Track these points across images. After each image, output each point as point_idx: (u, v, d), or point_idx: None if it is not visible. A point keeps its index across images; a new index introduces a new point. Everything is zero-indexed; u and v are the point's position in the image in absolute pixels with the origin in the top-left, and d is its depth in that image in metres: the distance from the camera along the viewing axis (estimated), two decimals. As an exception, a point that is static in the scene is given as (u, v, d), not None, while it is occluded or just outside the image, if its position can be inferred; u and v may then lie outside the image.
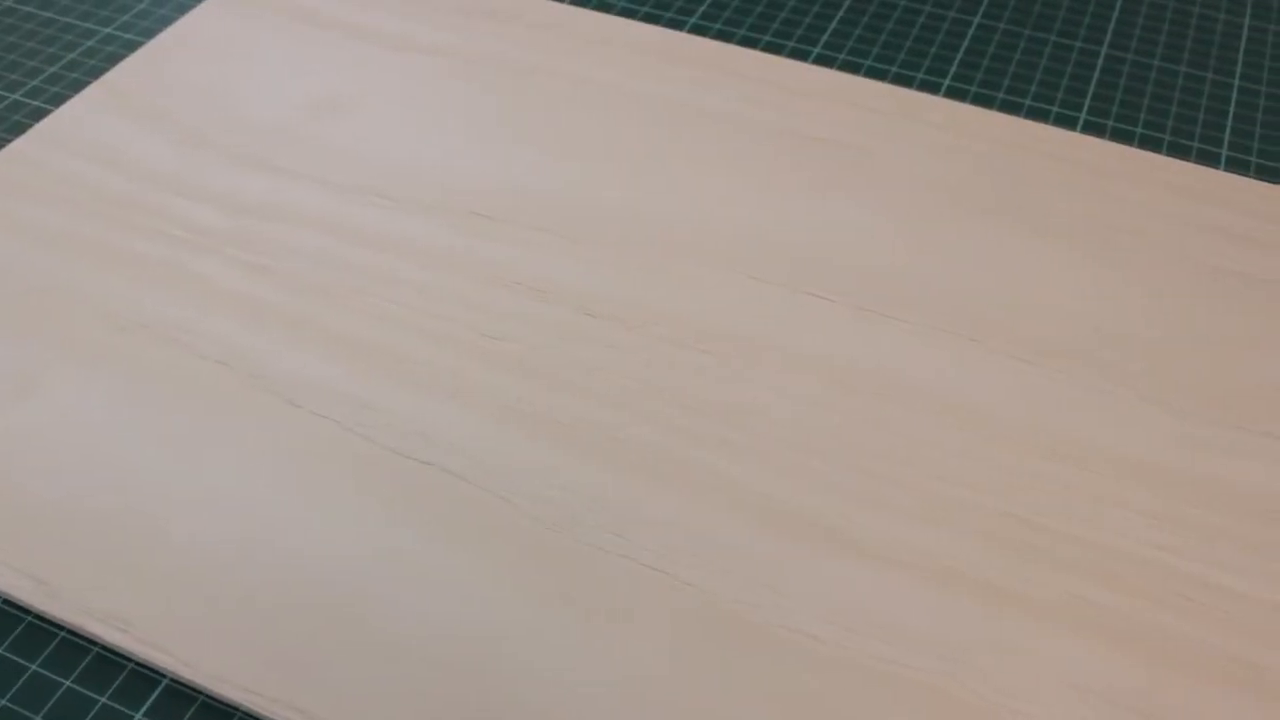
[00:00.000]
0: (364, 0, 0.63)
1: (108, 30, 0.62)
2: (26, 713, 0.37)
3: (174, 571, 0.39)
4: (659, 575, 0.39)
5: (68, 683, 0.38)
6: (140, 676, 0.38)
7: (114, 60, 0.60)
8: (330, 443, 0.43)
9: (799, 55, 0.61)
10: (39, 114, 0.57)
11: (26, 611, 0.39)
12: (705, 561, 0.40)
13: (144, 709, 0.37)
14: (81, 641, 0.39)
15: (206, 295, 0.48)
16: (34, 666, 0.38)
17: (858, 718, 0.36)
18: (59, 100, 0.58)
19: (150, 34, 0.62)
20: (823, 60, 0.61)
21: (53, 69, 0.60)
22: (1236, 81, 0.61)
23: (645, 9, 0.64)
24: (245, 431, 0.43)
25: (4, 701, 0.37)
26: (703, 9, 0.64)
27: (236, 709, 0.37)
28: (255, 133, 0.55)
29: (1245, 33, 0.64)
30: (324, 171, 0.53)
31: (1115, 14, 0.65)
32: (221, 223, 0.51)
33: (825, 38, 0.63)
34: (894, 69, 0.61)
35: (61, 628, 0.39)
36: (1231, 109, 0.59)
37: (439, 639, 0.37)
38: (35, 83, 0.59)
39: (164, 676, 0.38)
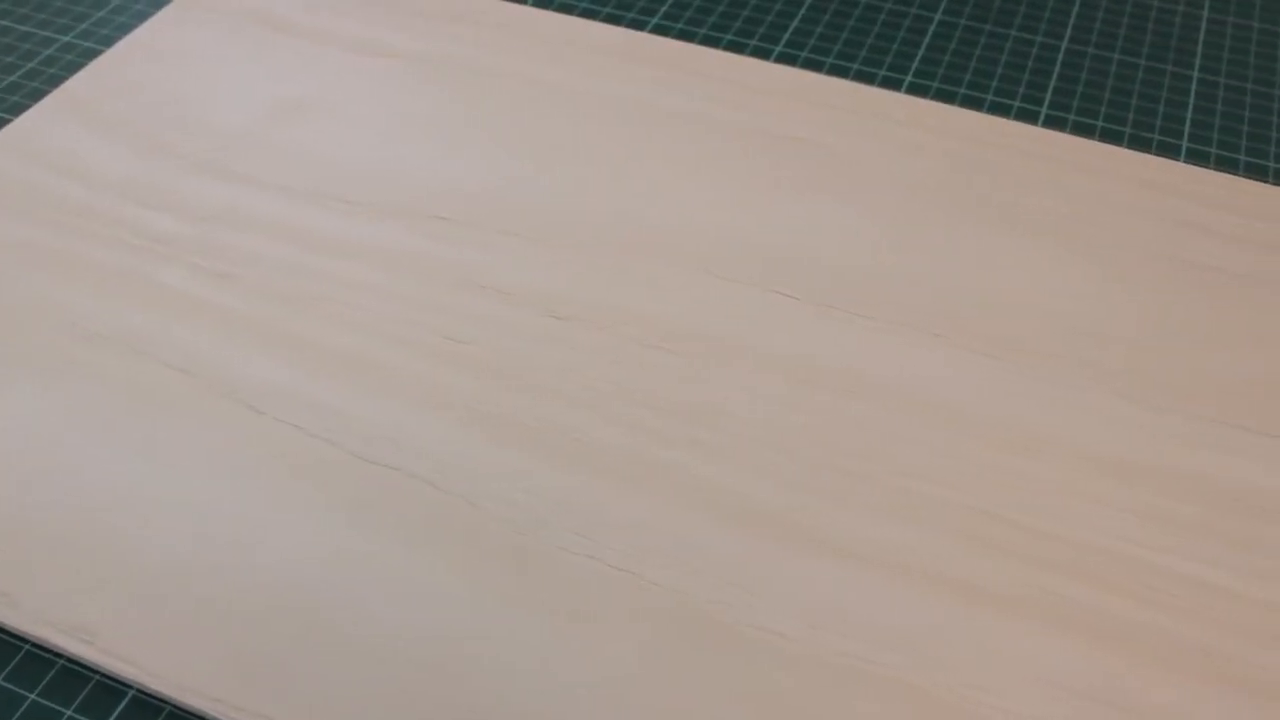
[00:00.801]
0: (324, 4, 0.63)
1: (66, 39, 0.62)
2: (-9, 727, 0.37)
3: (139, 581, 0.39)
4: (626, 576, 0.39)
5: (33, 696, 0.37)
6: (106, 689, 0.38)
7: (73, 69, 0.60)
8: (295, 449, 0.43)
9: (761, 54, 0.62)
10: (-2, 124, 0.57)
11: (-9, 625, 0.39)
12: (673, 562, 0.40)
13: (110, 721, 0.37)
14: (47, 655, 0.38)
15: (169, 303, 0.47)
16: (-1, 680, 0.38)
17: (828, 715, 0.36)
18: (18, 110, 0.58)
19: (109, 42, 0.62)
20: (784, 59, 0.61)
21: (11, 78, 0.59)
22: (1196, 74, 0.61)
23: (607, 9, 0.64)
24: (209, 439, 0.43)
25: (-31, 716, 0.37)
26: (665, 9, 0.64)
27: (204, 718, 0.37)
28: (216, 139, 0.55)
29: (1204, 25, 0.65)
30: (286, 177, 0.53)
31: (1075, 8, 0.66)
32: (183, 230, 0.50)
33: (787, 36, 0.63)
34: (856, 66, 0.61)
35: (27, 641, 0.39)
36: (1191, 101, 0.60)
37: (406, 643, 0.37)
38: (-6, 92, 0.59)
39: (130, 688, 0.38)
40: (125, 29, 0.63)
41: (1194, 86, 0.61)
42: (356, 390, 0.44)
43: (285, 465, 0.42)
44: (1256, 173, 0.56)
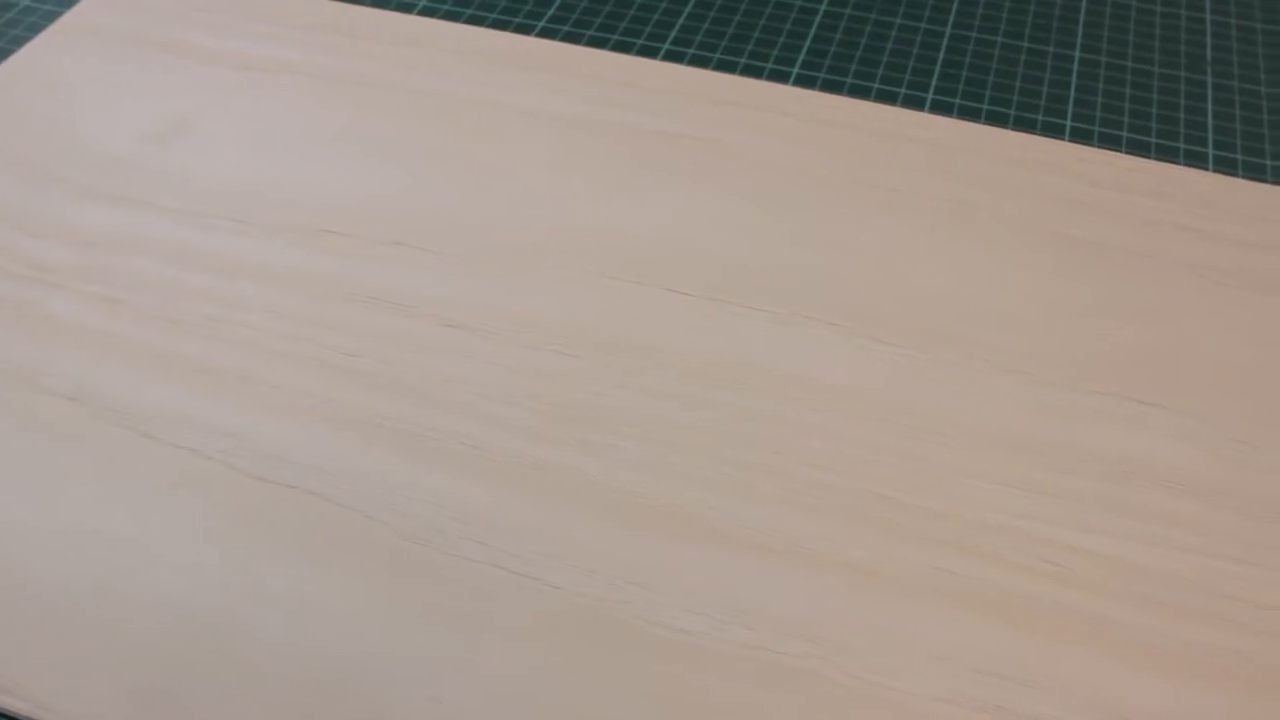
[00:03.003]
0: (205, 21, 0.62)
1: (-57, 68, 0.61)
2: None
3: (32, 614, 0.38)
4: (527, 580, 0.39)
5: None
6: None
7: (-49, 98, 0.59)
8: (189, 472, 0.42)
9: (648, 53, 0.62)
10: (-126, 158, 0.56)
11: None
12: (572, 563, 0.40)
13: (7, 759, 0.36)
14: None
15: (56, 332, 0.47)
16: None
17: (734, 707, 0.36)
18: (-106, 142, 0.56)
19: (-12, 69, 0.61)
20: (672, 56, 0.61)
21: (-113, 111, 0.58)
22: (1077, 53, 0.62)
23: (493, 15, 0.64)
24: (101, 467, 0.42)
25: None
26: (550, 12, 0.64)
27: (103, 751, 0.36)
28: (99, 163, 0.54)
29: (1084, 4, 0.66)
30: (172, 198, 0.52)
31: (958, -6, 0.67)
32: (69, 257, 0.50)
33: (673, 34, 0.63)
34: (743, 60, 0.61)
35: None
36: (1073, 80, 0.60)
37: (309, 662, 0.37)
38: None
39: (25, 723, 0.37)
40: (2, 55, 0.62)
41: (1076, 66, 0.61)
42: (250, 410, 0.44)
43: (180, 489, 0.42)
44: (1139, 149, 0.56)
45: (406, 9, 0.64)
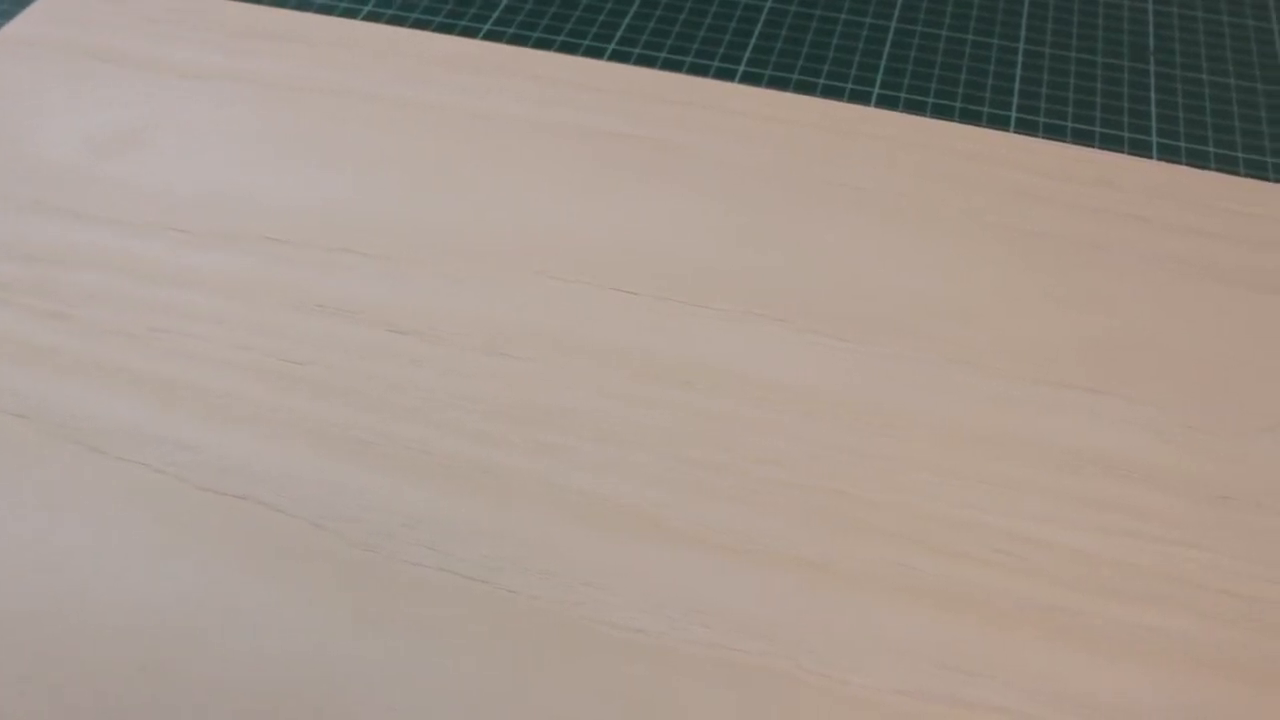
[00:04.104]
0: (148, 31, 0.61)
1: (-120, 84, 0.60)
2: None
3: (-19, 636, 0.38)
4: (480, 585, 0.39)
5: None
6: (-48, 748, 0.37)
7: (-111, 114, 0.58)
8: (139, 487, 0.42)
9: (594, 53, 0.62)
10: None
11: None
12: (525, 567, 0.39)
13: (-42, 781, 0.36)
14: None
15: (2, 348, 0.46)
16: None
17: (694, 707, 0.36)
18: None
19: (-74, 84, 0.60)
20: (617, 56, 0.61)
21: None
22: (1021, 45, 0.63)
23: (439, 19, 0.64)
24: (50, 483, 0.42)
25: None
26: (496, 15, 0.64)
27: (56, 770, 0.36)
28: (43, 176, 0.53)
29: (1027, -3, 0.66)
30: (117, 210, 0.52)
31: (902, -12, 0.67)
32: (13, 272, 0.49)
33: (619, 34, 0.63)
34: (689, 59, 0.61)
35: None
36: (1018, 72, 0.61)
37: (263, 673, 0.37)
38: None
39: (-23, 745, 0.37)
40: (-58, 70, 0.61)
41: (1020, 58, 0.62)
42: (198, 421, 0.44)
43: (129, 504, 0.41)
44: (1084, 138, 0.57)
45: (351, 14, 0.64)
